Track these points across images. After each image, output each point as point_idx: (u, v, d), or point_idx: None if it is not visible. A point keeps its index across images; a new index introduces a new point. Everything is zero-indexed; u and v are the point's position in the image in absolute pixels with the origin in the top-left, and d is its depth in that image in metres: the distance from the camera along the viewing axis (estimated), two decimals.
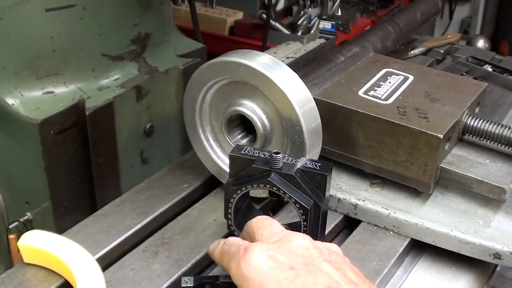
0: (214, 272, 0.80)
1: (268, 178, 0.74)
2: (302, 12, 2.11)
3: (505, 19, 3.62)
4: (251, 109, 0.86)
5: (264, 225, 0.68)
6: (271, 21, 1.95)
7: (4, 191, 1.08)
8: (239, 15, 2.22)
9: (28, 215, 1.05)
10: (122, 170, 1.13)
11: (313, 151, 0.85)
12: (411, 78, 1.01)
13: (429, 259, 0.85)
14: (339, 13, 2.40)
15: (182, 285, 0.71)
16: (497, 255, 0.80)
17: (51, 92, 1.03)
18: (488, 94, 1.04)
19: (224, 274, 0.71)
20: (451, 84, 1.00)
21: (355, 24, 2.51)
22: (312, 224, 0.76)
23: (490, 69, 1.30)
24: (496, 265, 0.87)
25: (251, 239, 0.68)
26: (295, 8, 2.27)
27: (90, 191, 1.09)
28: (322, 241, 0.81)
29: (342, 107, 0.91)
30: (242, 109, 0.86)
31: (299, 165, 0.75)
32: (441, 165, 0.88)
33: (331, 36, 1.48)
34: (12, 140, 1.02)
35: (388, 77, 1.00)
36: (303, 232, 0.77)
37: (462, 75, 1.25)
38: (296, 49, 1.35)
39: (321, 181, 0.75)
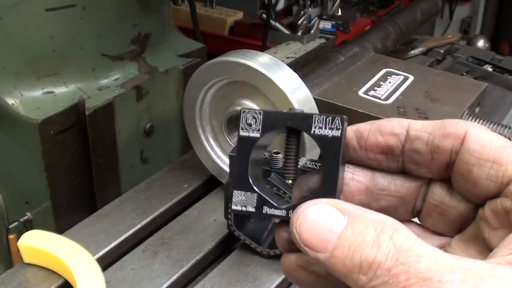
0: (215, 272, 0.80)
1: (268, 178, 0.74)
2: (302, 12, 2.11)
3: (505, 19, 3.62)
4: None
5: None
6: (271, 21, 1.95)
7: (4, 191, 1.08)
8: (239, 15, 2.22)
9: (28, 215, 1.05)
10: (122, 170, 1.13)
11: (313, 151, 0.85)
12: (411, 78, 1.01)
13: None
14: (339, 13, 2.40)
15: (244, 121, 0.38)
16: None
17: (51, 92, 1.03)
18: (488, 94, 1.04)
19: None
20: (451, 84, 1.00)
21: (355, 24, 2.51)
22: None
23: (490, 69, 1.30)
24: None
25: None
26: (295, 8, 2.27)
27: (90, 191, 1.08)
28: None
29: (342, 107, 0.91)
30: None
31: (299, 165, 0.75)
32: None
33: (331, 36, 1.48)
34: (12, 140, 1.02)
35: (388, 77, 1.00)
36: None
37: (462, 75, 1.25)
38: (296, 49, 1.35)
39: None
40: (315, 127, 0.35)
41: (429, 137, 0.37)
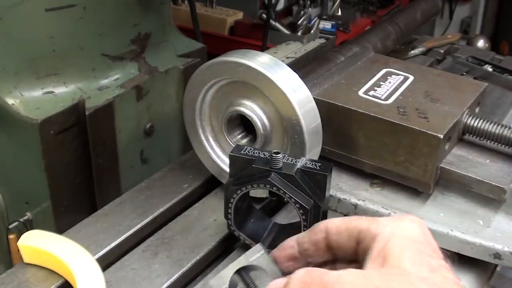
0: (215, 272, 0.80)
1: (268, 178, 0.74)
2: (302, 12, 2.11)
3: (505, 19, 3.62)
4: (251, 109, 0.86)
5: None
6: (271, 21, 1.95)
7: (4, 191, 1.08)
8: (239, 15, 2.22)
9: (28, 215, 1.05)
10: (122, 170, 1.13)
11: (313, 151, 0.85)
12: (411, 78, 1.01)
13: None
14: (339, 13, 2.40)
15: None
16: (497, 255, 0.80)
17: (51, 92, 1.03)
18: (488, 94, 1.04)
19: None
20: (451, 84, 1.00)
21: (355, 24, 2.52)
22: (312, 224, 0.76)
23: (490, 69, 1.30)
24: (496, 265, 0.87)
25: None
26: (295, 8, 2.27)
27: (90, 191, 1.09)
28: None
29: (342, 107, 0.91)
30: (242, 109, 0.86)
31: (299, 165, 0.75)
32: (441, 165, 0.88)
33: (331, 36, 1.48)
34: (12, 140, 1.02)
35: (388, 77, 1.00)
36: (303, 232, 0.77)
37: (462, 75, 1.25)
38: (296, 49, 1.35)
39: (321, 181, 0.75)
40: None
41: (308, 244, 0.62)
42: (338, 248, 0.59)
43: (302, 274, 0.53)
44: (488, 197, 0.86)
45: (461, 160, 0.90)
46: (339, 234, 0.58)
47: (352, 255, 0.58)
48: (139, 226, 0.86)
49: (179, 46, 1.24)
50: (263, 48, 1.75)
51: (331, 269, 0.55)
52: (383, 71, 1.03)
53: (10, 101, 0.99)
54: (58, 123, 1.00)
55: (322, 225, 0.60)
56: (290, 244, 0.62)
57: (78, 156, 1.05)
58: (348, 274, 0.51)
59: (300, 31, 2.06)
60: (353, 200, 0.89)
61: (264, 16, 1.99)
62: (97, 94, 1.06)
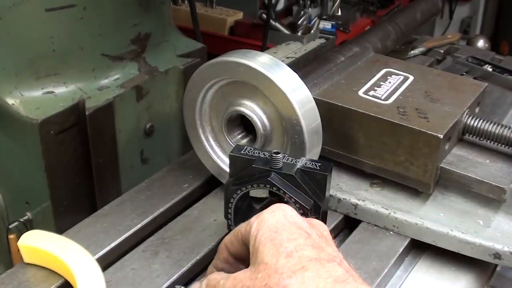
0: None
1: (268, 178, 0.74)
2: (302, 12, 2.11)
3: (505, 19, 3.62)
4: (251, 109, 0.86)
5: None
6: (271, 21, 1.95)
7: (4, 191, 1.08)
8: (239, 15, 2.22)
9: (28, 215, 1.05)
10: (122, 170, 1.13)
11: (313, 151, 0.85)
12: (411, 78, 1.01)
13: (429, 259, 0.85)
14: (339, 13, 2.40)
15: None
16: (497, 255, 0.80)
17: (51, 92, 1.03)
18: (488, 94, 1.04)
19: None
20: (451, 84, 1.00)
21: (355, 24, 2.51)
22: None
23: (490, 69, 1.30)
24: (496, 265, 0.87)
25: None
26: (295, 8, 2.27)
27: (90, 191, 1.09)
28: None
29: (342, 107, 0.91)
30: (242, 109, 0.86)
31: (299, 165, 0.75)
32: (441, 165, 0.88)
33: (331, 36, 1.48)
34: (12, 140, 1.02)
35: (388, 77, 1.00)
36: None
37: (462, 75, 1.25)
38: (296, 49, 1.35)
39: (321, 181, 0.75)
40: None
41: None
42: (241, 256, 0.64)
43: (204, 285, 0.62)
44: (488, 197, 0.86)
45: (461, 160, 0.90)
46: (233, 245, 0.64)
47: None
48: (139, 226, 0.86)
49: (179, 46, 1.24)
50: (263, 48, 1.75)
51: None
52: (383, 71, 1.03)
53: (10, 101, 0.99)
54: (58, 123, 1.00)
55: (222, 244, 0.66)
56: (210, 272, 0.67)
57: (78, 156, 1.05)
58: (227, 279, 0.58)
59: (300, 31, 2.07)
60: (353, 200, 0.89)
61: (264, 16, 1.99)
62: (97, 94, 1.06)
